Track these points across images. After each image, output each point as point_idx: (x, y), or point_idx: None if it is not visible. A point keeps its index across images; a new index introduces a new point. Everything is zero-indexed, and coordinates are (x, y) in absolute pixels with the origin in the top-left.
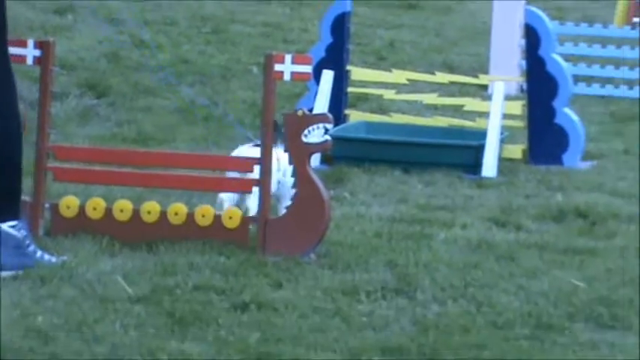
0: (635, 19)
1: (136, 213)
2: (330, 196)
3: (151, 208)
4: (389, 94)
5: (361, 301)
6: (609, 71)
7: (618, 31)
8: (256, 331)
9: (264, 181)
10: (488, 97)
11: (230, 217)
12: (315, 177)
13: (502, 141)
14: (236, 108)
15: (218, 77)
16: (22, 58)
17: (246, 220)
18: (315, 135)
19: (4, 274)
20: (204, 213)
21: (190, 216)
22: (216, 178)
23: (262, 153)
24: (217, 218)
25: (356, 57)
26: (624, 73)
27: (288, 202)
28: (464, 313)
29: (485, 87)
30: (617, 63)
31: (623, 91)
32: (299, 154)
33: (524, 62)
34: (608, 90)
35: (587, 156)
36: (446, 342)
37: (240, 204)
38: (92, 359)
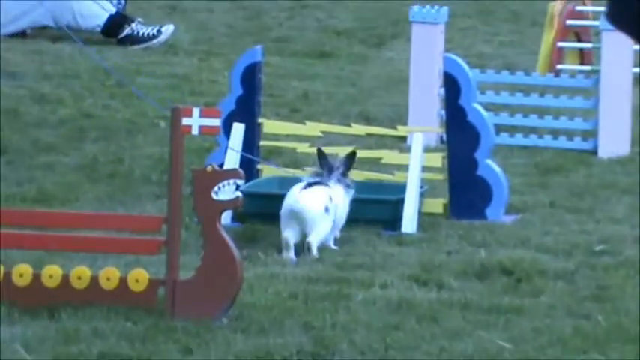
0: (559, 67)
1: (36, 277)
2: (242, 255)
3: (52, 272)
4: (303, 148)
5: None
6: (533, 120)
7: (541, 79)
8: None
9: (171, 241)
10: (407, 150)
11: (137, 280)
12: (225, 236)
13: (422, 195)
14: (143, 164)
15: (124, 132)
16: None
17: (153, 282)
18: (225, 192)
19: None
20: (109, 276)
21: (94, 279)
22: (122, 239)
23: (169, 211)
24: (123, 281)
25: (268, 109)
26: (548, 122)
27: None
28: None
29: (403, 139)
30: (541, 112)
31: (547, 141)
32: (209, 212)
33: (443, 112)
34: (532, 140)
35: (510, 209)
36: None
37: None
38: None
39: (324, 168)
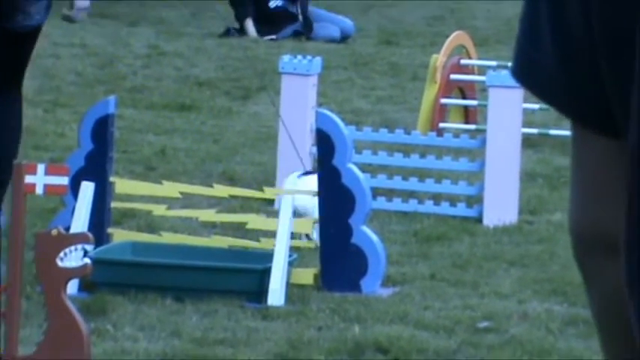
0: (442, 125)
1: None
2: (90, 329)
3: None
4: (159, 210)
5: None
6: (413, 184)
7: (422, 139)
8: None
9: (10, 313)
10: (275, 214)
11: None
12: (71, 307)
13: (290, 264)
14: None
15: None
16: None
17: None
18: (72, 258)
19: None
20: None
21: None
22: None
23: (8, 279)
24: None
25: (121, 166)
26: (430, 186)
27: None
28: None
29: (271, 202)
30: (422, 174)
31: (428, 206)
32: (53, 281)
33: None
34: (412, 205)
35: (388, 281)
36: None
37: None
38: None
39: None
